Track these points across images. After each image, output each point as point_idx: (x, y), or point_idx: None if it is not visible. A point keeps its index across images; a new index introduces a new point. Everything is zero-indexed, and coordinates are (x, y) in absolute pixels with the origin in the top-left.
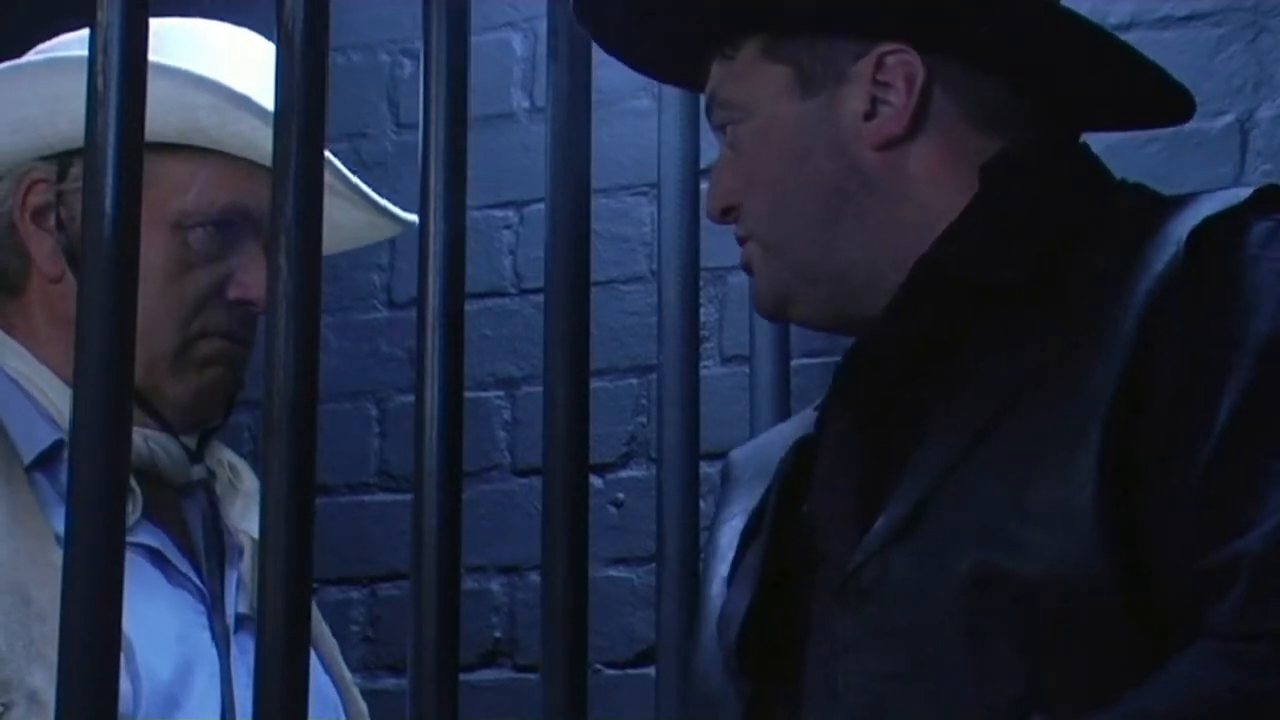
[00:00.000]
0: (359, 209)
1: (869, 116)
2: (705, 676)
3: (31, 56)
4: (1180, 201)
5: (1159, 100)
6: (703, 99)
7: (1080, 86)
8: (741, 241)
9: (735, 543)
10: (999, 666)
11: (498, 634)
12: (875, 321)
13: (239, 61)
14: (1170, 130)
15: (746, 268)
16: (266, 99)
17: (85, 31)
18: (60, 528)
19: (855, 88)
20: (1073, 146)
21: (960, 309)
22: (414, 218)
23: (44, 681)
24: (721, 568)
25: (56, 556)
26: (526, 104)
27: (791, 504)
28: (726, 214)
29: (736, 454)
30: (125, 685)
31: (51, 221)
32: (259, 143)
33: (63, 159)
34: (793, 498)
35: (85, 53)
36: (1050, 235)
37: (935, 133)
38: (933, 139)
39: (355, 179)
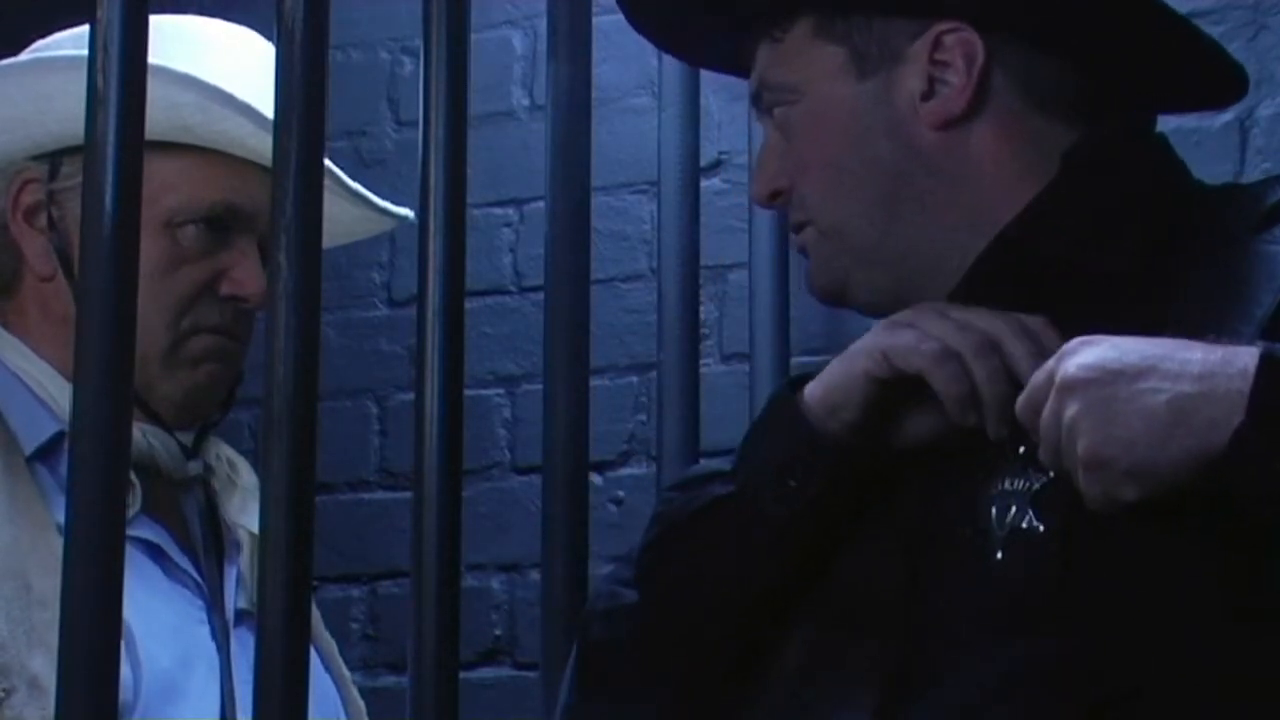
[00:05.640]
0: (352, 204)
1: (927, 97)
2: None
3: (22, 56)
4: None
5: (1216, 79)
6: (747, 85)
7: (1140, 65)
8: (798, 228)
9: None
10: None
11: (497, 632)
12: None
13: (227, 58)
14: (1170, 127)
15: (803, 251)
16: (253, 95)
17: (77, 30)
18: (61, 518)
19: (912, 67)
20: (1151, 135)
21: (1042, 292)
22: (407, 211)
23: (44, 667)
24: None
25: (57, 545)
26: (526, 102)
27: None
28: (774, 198)
29: None
30: (126, 672)
31: (43, 221)
32: (245, 139)
33: (54, 158)
34: None
35: (75, 52)
36: (1152, 226)
37: (995, 113)
38: (993, 120)
39: (341, 173)
